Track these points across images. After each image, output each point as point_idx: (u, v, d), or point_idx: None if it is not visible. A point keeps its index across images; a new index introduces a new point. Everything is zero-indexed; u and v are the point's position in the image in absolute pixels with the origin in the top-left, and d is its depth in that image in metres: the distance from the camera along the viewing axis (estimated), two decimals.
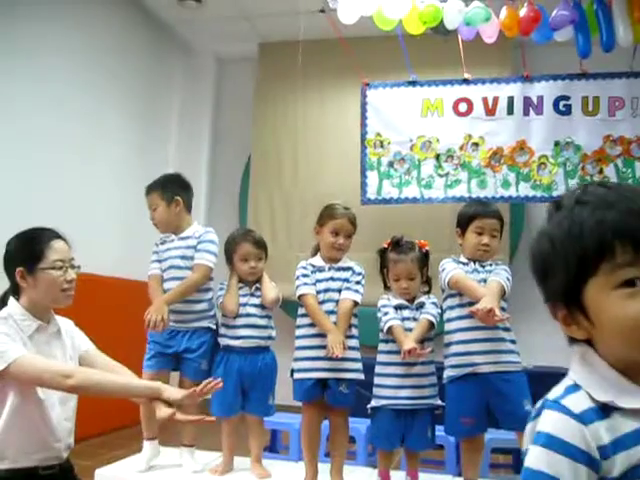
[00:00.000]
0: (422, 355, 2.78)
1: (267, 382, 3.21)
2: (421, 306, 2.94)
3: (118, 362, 2.24)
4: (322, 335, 2.91)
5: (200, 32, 6.25)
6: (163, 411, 1.99)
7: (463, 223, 2.98)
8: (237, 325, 3.19)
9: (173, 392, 2.03)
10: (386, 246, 3.03)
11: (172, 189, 3.44)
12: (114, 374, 2.15)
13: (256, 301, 3.23)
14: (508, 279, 2.86)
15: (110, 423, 4.78)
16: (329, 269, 3.05)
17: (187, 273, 3.32)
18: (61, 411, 2.10)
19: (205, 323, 3.34)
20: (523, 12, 4.44)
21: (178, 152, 6.45)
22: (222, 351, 3.24)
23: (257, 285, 3.26)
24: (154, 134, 6.18)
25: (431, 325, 2.89)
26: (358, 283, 3.04)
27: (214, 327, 3.37)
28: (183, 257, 3.35)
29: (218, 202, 6.57)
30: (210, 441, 3.44)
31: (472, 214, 2.96)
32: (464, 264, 2.93)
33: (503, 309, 2.76)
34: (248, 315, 3.20)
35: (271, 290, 3.23)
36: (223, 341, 3.23)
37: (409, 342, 2.74)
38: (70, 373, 1.95)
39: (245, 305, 3.22)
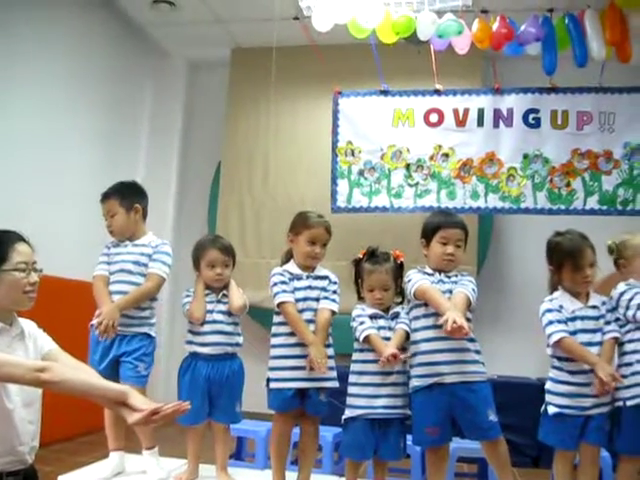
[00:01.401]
0: (402, 360, 2.78)
1: (234, 389, 3.19)
2: (396, 316, 2.94)
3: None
4: (302, 344, 2.90)
5: (173, 36, 6.20)
6: (135, 416, 1.93)
7: (428, 233, 2.98)
8: (204, 332, 3.16)
9: (139, 402, 1.97)
10: (361, 256, 3.03)
11: (131, 196, 3.43)
12: (84, 373, 2.12)
13: (223, 308, 3.21)
14: (474, 290, 2.88)
15: (73, 429, 4.71)
16: (307, 277, 3.04)
17: (137, 279, 3.31)
18: (25, 414, 2.07)
19: (145, 329, 3.32)
20: (495, 27, 4.50)
21: (148, 156, 6.39)
22: (189, 358, 3.20)
23: (224, 292, 3.24)
24: (124, 138, 6.11)
25: (407, 335, 2.90)
26: (335, 292, 3.04)
27: (154, 334, 3.36)
28: (136, 263, 3.34)
29: (187, 208, 6.52)
30: (175, 448, 3.41)
31: (437, 224, 2.96)
32: (429, 275, 2.94)
33: (469, 320, 2.77)
34: (215, 322, 3.18)
35: (238, 297, 3.21)
36: (190, 348, 3.19)
37: (390, 349, 2.74)
38: (44, 368, 1.92)
39: (212, 312, 3.19)
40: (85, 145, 5.46)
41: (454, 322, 2.55)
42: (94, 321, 3.16)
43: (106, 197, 3.43)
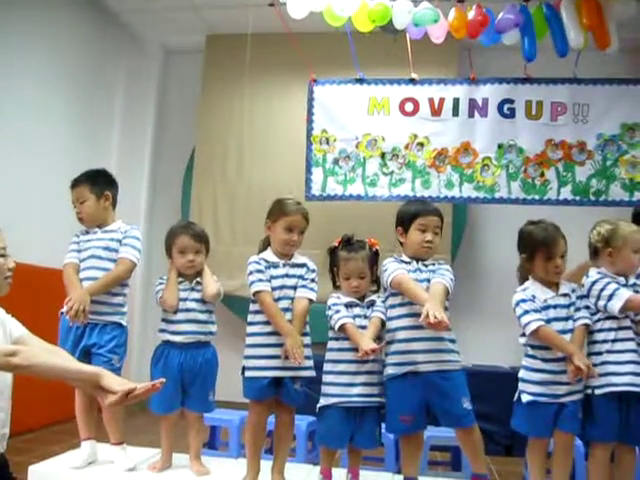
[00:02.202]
0: (380, 352, 2.78)
1: (207, 378, 3.17)
2: (372, 304, 2.93)
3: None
4: (277, 333, 2.88)
5: (147, 21, 6.12)
6: (110, 397, 1.90)
7: (405, 221, 2.97)
8: (177, 320, 3.14)
9: (112, 382, 1.92)
10: (336, 245, 3.01)
11: (101, 183, 3.41)
12: (57, 356, 2.09)
13: (197, 295, 3.18)
14: (451, 279, 2.88)
15: (44, 418, 4.66)
16: (284, 265, 3.01)
17: (107, 264, 3.29)
18: None
19: (117, 318, 3.29)
20: (471, 15, 4.50)
21: (121, 143, 6.31)
22: (162, 346, 3.18)
23: (198, 279, 3.21)
24: (96, 125, 6.02)
25: (383, 323, 2.89)
26: (313, 281, 3.02)
27: (125, 324, 3.33)
28: (106, 248, 3.32)
29: (161, 194, 6.47)
30: (148, 437, 3.39)
31: (414, 212, 2.95)
32: (406, 263, 2.93)
33: (446, 309, 2.77)
34: (188, 310, 3.15)
35: (212, 285, 3.18)
36: (164, 336, 3.17)
37: (368, 342, 2.73)
38: (14, 351, 1.90)
39: (185, 300, 3.17)
40: (57, 131, 5.38)
41: (434, 317, 2.55)
42: (64, 308, 3.13)
43: (76, 184, 3.39)
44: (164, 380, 1.98)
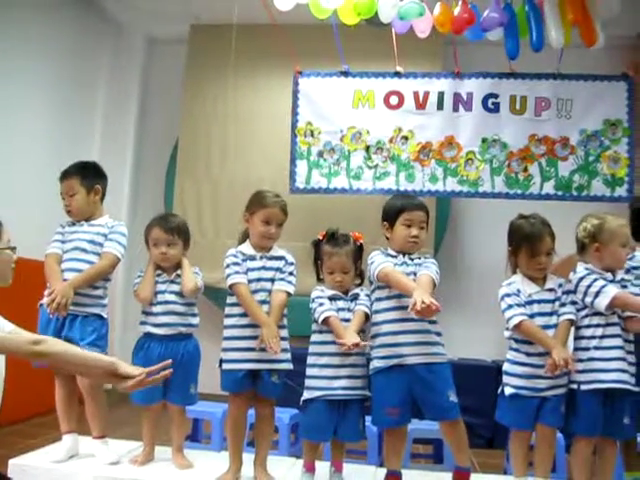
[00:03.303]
0: (364, 347, 2.78)
1: (189, 370, 3.16)
2: (355, 297, 2.93)
3: None
4: (254, 325, 2.88)
5: (131, 10, 6.05)
6: (128, 382, 1.99)
7: (391, 216, 2.97)
8: (156, 312, 3.14)
9: (128, 368, 2.02)
10: (320, 238, 3.00)
11: (92, 177, 3.39)
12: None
13: (176, 288, 3.17)
14: (437, 272, 2.88)
15: (25, 411, 4.61)
16: (261, 258, 3.01)
17: (91, 257, 3.26)
18: None
19: (97, 310, 3.26)
20: (457, 11, 4.51)
21: (104, 134, 6.24)
22: (143, 338, 3.17)
23: (178, 272, 3.20)
24: (79, 115, 5.95)
25: (367, 316, 2.89)
26: (291, 274, 3.01)
27: (106, 316, 3.31)
28: (91, 242, 3.29)
29: (144, 186, 6.42)
30: (131, 430, 3.37)
31: (400, 207, 2.95)
32: (393, 257, 2.93)
33: None
34: (167, 302, 3.15)
35: (190, 279, 3.16)
36: (144, 328, 3.16)
37: (352, 336, 2.73)
38: (39, 340, 1.98)
39: (164, 292, 3.16)
40: (38, 122, 5.32)
41: (422, 302, 2.55)
42: (45, 299, 3.10)
43: (66, 176, 3.35)
44: (171, 361, 2.08)
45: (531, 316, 2.84)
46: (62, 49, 5.58)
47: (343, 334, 2.75)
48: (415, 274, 2.86)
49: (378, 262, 2.88)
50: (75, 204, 3.33)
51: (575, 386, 2.81)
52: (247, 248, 3.04)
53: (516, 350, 2.88)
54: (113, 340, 3.34)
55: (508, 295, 2.90)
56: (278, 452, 3.54)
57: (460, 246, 6.05)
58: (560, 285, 2.92)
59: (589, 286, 2.83)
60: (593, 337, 2.83)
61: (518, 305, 2.86)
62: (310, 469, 2.93)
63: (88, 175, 3.37)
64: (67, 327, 3.17)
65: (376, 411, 2.84)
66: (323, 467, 2.99)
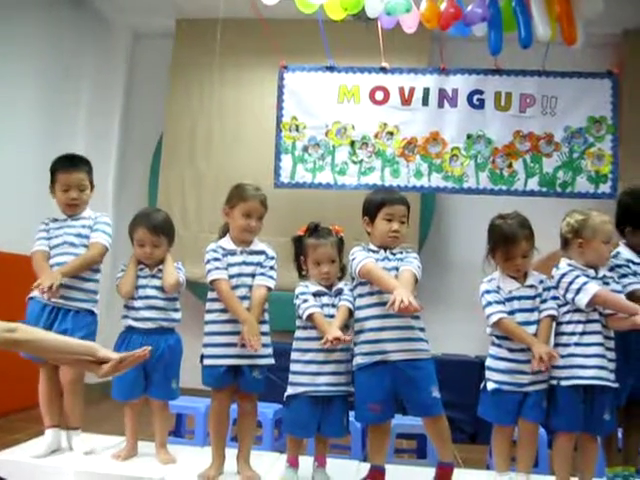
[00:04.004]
0: (347, 342, 2.77)
1: (170, 365, 3.14)
2: (339, 292, 2.93)
3: None
4: (235, 321, 2.87)
5: (115, 3, 6.01)
6: (103, 368, 1.93)
7: (371, 211, 2.96)
8: (138, 307, 3.13)
9: (108, 352, 1.98)
10: (302, 233, 3.00)
11: (92, 173, 3.41)
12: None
13: (157, 283, 3.15)
14: (419, 267, 2.88)
15: (7, 405, 4.59)
16: (241, 253, 2.99)
17: (80, 251, 3.25)
18: None
19: (89, 305, 3.25)
20: (444, 6, 4.50)
21: (88, 128, 6.17)
22: (125, 332, 3.16)
23: (160, 267, 3.18)
24: (63, 109, 5.88)
25: (350, 312, 2.89)
26: (272, 268, 3.00)
27: (96, 312, 3.30)
28: (78, 235, 3.28)
29: (128, 180, 6.37)
30: (113, 425, 3.35)
31: (380, 201, 2.94)
32: (374, 252, 2.93)
33: (414, 297, 2.77)
34: (148, 297, 3.13)
35: (171, 275, 3.14)
36: (126, 322, 3.15)
37: (334, 330, 2.73)
38: (14, 328, 1.89)
39: (145, 287, 3.15)
40: (23, 118, 5.27)
41: (402, 301, 2.55)
42: (35, 292, 3.09)
43: (77, 168, 3.33)
44: (150, 348, 2.03)
45: (511, 312, 2.85)
46: (46, 44, 5.52)
47: (327, 330, 2.75)
48: (397, 269, 2.86)
49: (359, 258, 2.87)
50: (85, 198, 3.34)
51: (555, 382, 2.82)
52: (227, 243, 3.03)
53: (498, 346, 2.89)
54: (98, 333, 3.33)
55: (488, 292, 2.91)
56: (262, 447, 3.54)
57: (444, 242, 6.06)
58: (541, 281, 2.93)
59: (571, 282, 2.84)
60: (574, 333, 2.84)
61: (497, 302, 2.87)
62: (293, 464, 2.93)
63: (91, 170, 3.39)
64: (58, 323, 3.15)
65: (359, 407, 2.84)
66: (307, 462, 2.99)
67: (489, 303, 2.88)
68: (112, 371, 1.94)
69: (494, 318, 2.83)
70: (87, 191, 3.34)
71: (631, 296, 2.90)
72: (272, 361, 2.97)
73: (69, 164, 3.32)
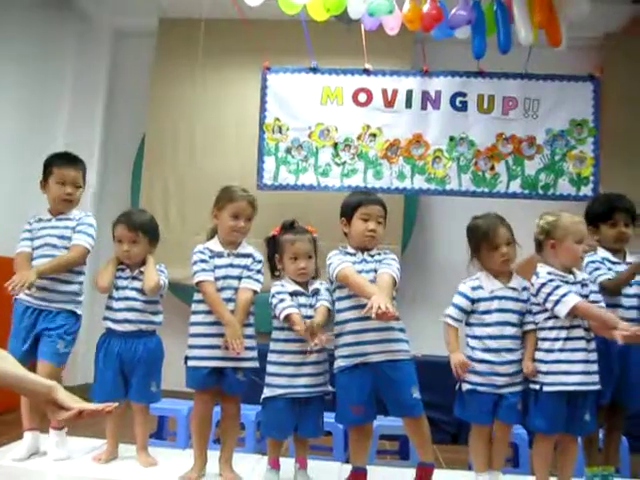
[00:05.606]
0: (329, 342, 2.77)
1: (150, 368, 3.12)
2: (316, 293, 2.93)
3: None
4: (220, 323, 2.86)
5: (98, 2, 5.98)
6: (62, 413, 1.82)
7: (348, 212, 2.97)
8: (118, 308, 3.11)
9: (67, 398, 1.85)
10: (276, 233, 3.00)
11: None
12: (6, 362, 1.94)
13: (137, 285, 3.14)
14: (398, 269, 2.89)
15: None
16: (228, 255, 2.99)
17: (61, 252, 3.24)
18: None
19: (71, 306, 3.24)
20: (426, 8, 4.51)
21: (69, 128, 6.14)
22: (105, 334, 3.14)
23: (141, 269, 3.16)
24: (43, 109, 5.85)
25: (329, 312, 2.88)
26: (259, 272, 3.00)
27: (80, 313, 3.28)
28: (61, 237, 3.26)
29: (110, 182, 6.33)
30: (94, 428, 3.33)
31: (357, 202, 2.96)
32: (352, 254, 2.93)
33: (393, 299, 2.78)
34: (127, 299, 3.12)
35: (151, 277, 3.11)
36: (105, 324, 3.14)
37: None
38: None
39: (125, 288, 3.13)
40: (4, 117, 5.23)
41: (379, 308, 2.55)
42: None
43: (76, 164, 3.35)
44: (116, 404, 1.93)
45: (488, 312, 2.89)
46: (28, 42, 5.49)
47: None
48: (375, 271, 2.86)
49: (337, 263, 2.87)
50: (77, 196, 3.34)
51: (537, 386, 2.82)
52: (215, 245, 3.03)
53: (472, 347, 2.91)
54: (80, 334, 3.31)
55: (459, 293, 2.98)
56: (244, 449, 3.53)
57: (427, 243, 6.07)
58: (524, 288, 2.95)
59: (549, 294, 2.83)
60: (557, 339, 2.83)
61: (456, 306, 2.97)
62: (275, 466, 2.93)
63: (85, 171, 3.40)
64: (39, 323, 3.16)
65: (341, 409, 2.84)
66: (288, 464, 2.98)
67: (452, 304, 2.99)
68: (71, 420, 1.83)
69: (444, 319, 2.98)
70: (80, 190, 3.34)
71: (602, 288, 2.96)
72: (257, 364, 2.96)
73: (67, 159, 3.33)
